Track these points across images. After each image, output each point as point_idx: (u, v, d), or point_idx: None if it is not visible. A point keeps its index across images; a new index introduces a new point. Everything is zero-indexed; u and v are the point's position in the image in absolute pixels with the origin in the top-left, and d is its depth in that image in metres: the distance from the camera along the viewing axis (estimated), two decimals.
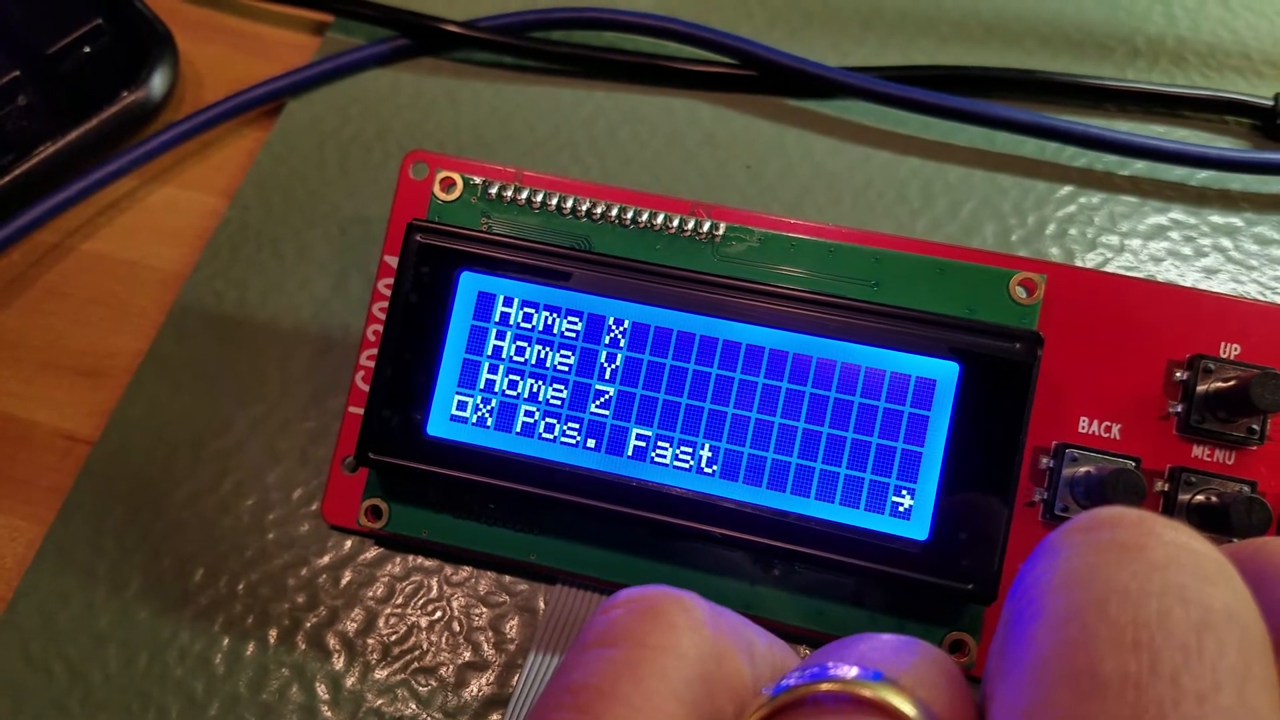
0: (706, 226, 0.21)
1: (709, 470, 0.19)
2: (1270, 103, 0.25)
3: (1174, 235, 0.24)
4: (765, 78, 0.27)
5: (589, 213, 0.21)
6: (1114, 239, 0.24)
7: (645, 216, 0.21)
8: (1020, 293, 0.20)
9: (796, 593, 0.20)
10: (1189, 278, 0.24)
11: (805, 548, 0.19)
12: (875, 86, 0.25)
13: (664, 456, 0.19)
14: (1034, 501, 0.19)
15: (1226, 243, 0.24)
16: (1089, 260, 0.24)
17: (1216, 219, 0.24)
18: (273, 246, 0.25)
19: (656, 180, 0.25)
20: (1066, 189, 0.25)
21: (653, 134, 0.26)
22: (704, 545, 0.20)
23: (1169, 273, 0.24)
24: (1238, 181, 0.25)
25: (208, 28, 0.29)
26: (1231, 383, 0.18)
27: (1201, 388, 0.19)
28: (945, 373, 0.19)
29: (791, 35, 0.28)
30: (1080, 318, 0.20)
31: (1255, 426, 0.19)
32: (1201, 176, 0.25)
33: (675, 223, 0.21)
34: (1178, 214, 0.24)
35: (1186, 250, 0.24)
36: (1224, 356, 0.19)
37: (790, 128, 0.26)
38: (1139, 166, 0.25)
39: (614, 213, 0.21)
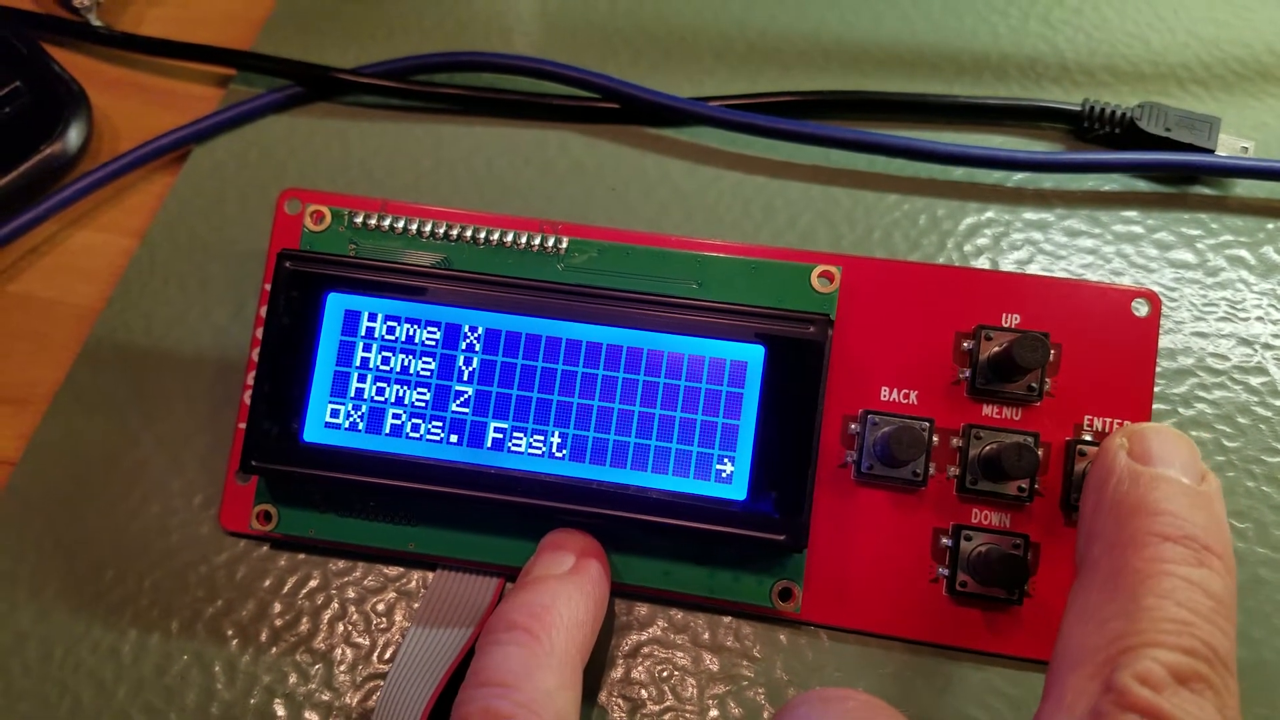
0: (552, 241, 0.23)
1: (559, 455, 0.22)
2: (1079, 107, 0.28)
3: (989, 232, 0.27)
4: (626, 109, 0.29)
5: (446, 235, 0.23)
6: (934, 238, 0.27)
7: (497, 235, 0.23)
8: (820, 283, 0.22)
9: (645, 557, 0.22)
10: (1003, 269, 0.26)
11: (647, 515, 0.21)
12: (722, 114, 0.28)
13: (519, 445, 0.22)
14: (846, 463, 0.22)
15: (1038, 236, 0.27)
16: (912, 259, 0.26)
17: (1030, 215, 0.27)
18: (178, 280, 0.27)
19: (529, 205, 0.28)
20: (893, 197, 0.27)
21: (526, 163, 0.29)
22: (564, 521, 0.22)
23: (983, 266, 0.26)
24: (1050, 180, 0.28)
25: (123, 84, 0.32)
26: (1002, 346, 0.21)
27: (983, 354, 0.22)
28: (753, 355, 0.21)
29: (652, 70, 0.31)
30: (878, 301, 0.22)
31: (1034, 385, 0.22)
32: (1017, 178, 0.28)
33: (524, 239, 0.23)
34: (993, 213, 0.27)
35: (1002, 245, 0.27)
36: (1005, 326, 0.22)
37: (650, 153, 0.29)
38: (959, 173, 0.28)
39: (469, 233, 0.23)
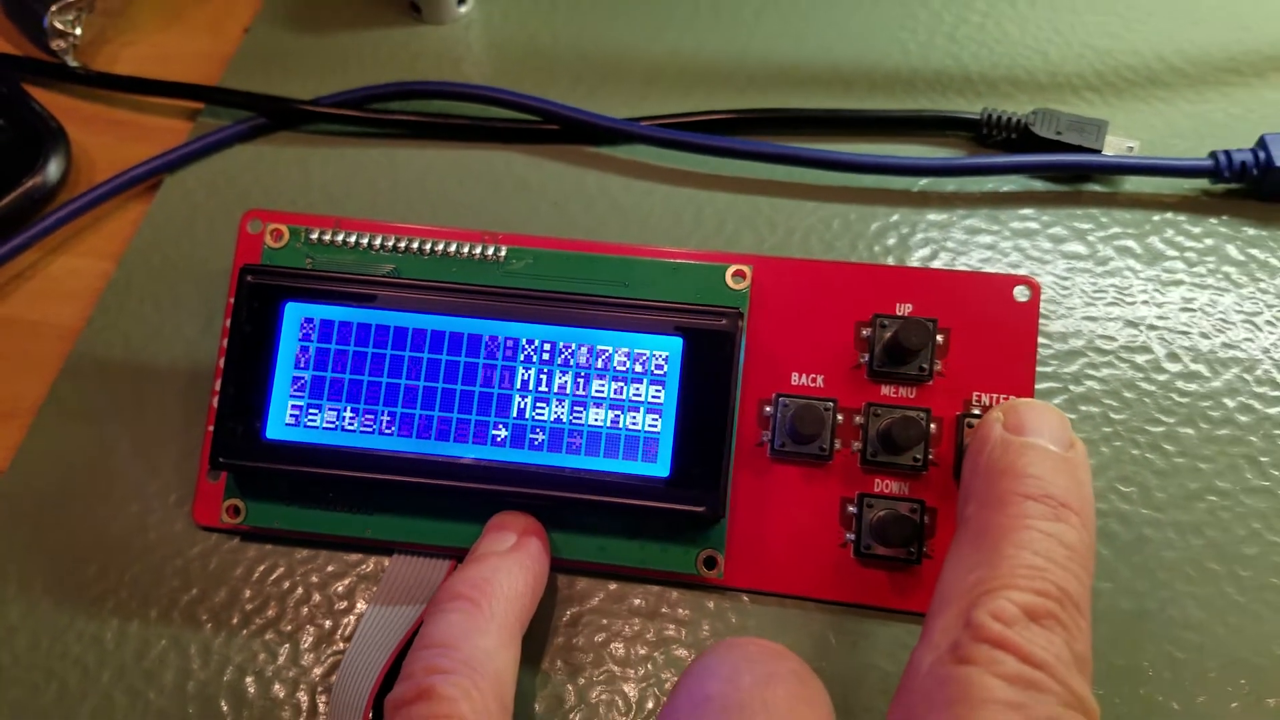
0: (492, 250, 0.26)
1: (501, 442, 0.24)
2: (978, 115, 0.31)
3: (896, 233, 0.29)
4: (567, 130, 0.32)
5: (395, 247, 0.26)
6: (847, 240, 0.29)
7: (442, 246, 0.26)
8: (734, 281, 0.25)
9: (583, 534, 0.24)
10: (908, 266, 0.29)
11: (581, 495, 0.23)
12: (654, 133, 0.31)
13: (464, 435, 0.24)
14: (763, 442, 0.24)
15: (939, 235, 0.29)
16: (827, 259, 0.29)
17: (933, 216, 0.30)
18: (153, 300, 0.29)
19: (478, 221, 0.30)
20: (811, 204, 0.30)
21: (475, 182, 0.31)
22: (507, 503, 0.24)
23: (890, 263, 0.29)
24: (952, 184, 0.30)
25: (98, 120, 0.34)
26: (892, 332, 0.24)
27: (879, 340, 0.24)
28: (673, 346, 0.23)
29: (591, 94, 0.33)
30: (786, 295, 0.25)
31: (925, 366, 0.24)
32: (922, 183, 0.30)
33: (467, 249, 0.26)
34: (899, 215, 0.30)
35: (909, 244, 0.29)
36: (898, 314, 0.24)
37: (589, 170, 0.31)
38: (869, 180, 0.30)
39: (416, 245, 0.26)
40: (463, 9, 0.36)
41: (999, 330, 0.24)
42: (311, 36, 0.35)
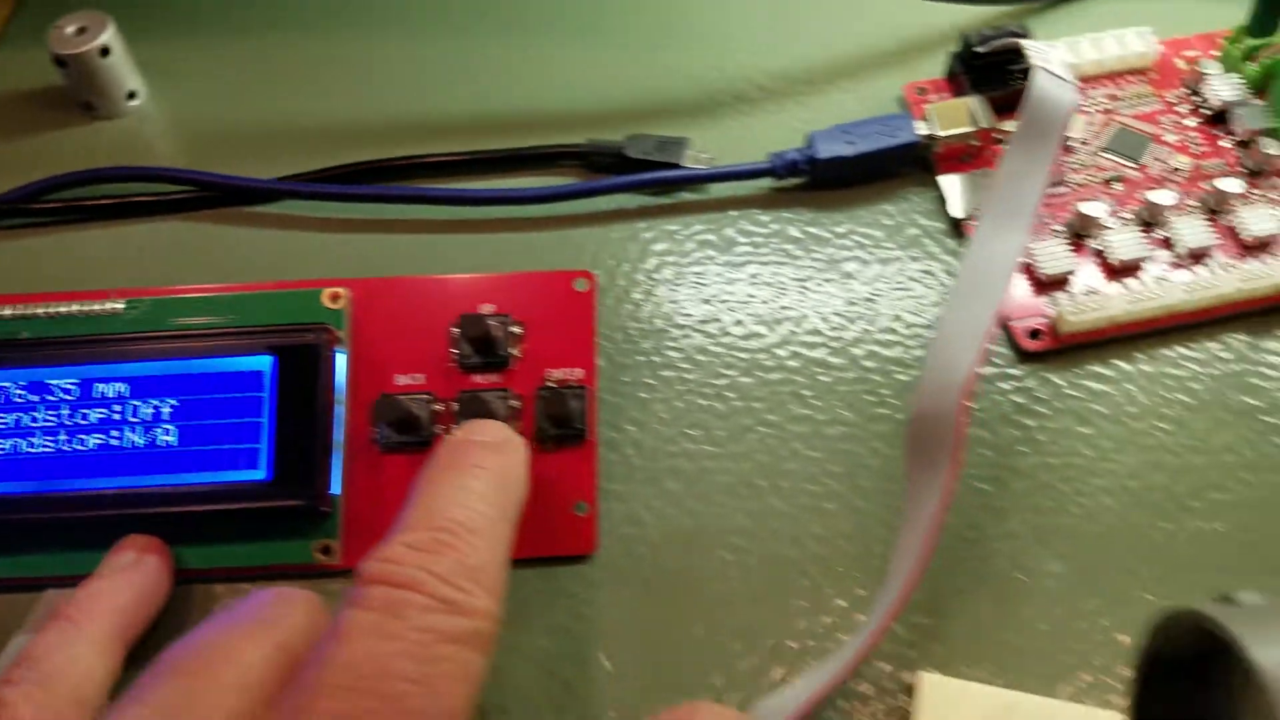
0: (110, 305, 0.28)
1: (116, 471, 0.26)
2: (584, 145, 0.36)
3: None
4: (222, 195, 0.35)
5: (25, 315, 0.28)
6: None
7: (65, 308, 0.28)
8: (330, 301, 0.28)
9: (203, 545, 0.27)
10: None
11: (193, 507, 0.26)
12: (298, 188, 0.34)
13: (80, 469, 0.26)
14: (374, 439, 0.28)
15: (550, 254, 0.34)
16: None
17: (547, 236, 0.34)
18: None
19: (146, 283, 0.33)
20: (443, 236, 0.34)
21: (140, 254, 0.34)
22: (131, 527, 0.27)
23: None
24: (565, 207, 0.35)
25: None
26: (469, 330, 0.28)
27: (465, 338, 0.28)
28: (265, 363, 0.27)
29: (270, 160, 0.36)
30: (385, 308, 0.29)
31: (502, 353, 0.28)
32: (538, 209, 0.35)
33: (91, 306, 0.28)
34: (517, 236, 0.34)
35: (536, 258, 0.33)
36: (483, 313, 0.28)
37: (244, 228, 0.35)
38: (496, 211, 0.34)
39: (42, 310, 0.28)
40: (134, 103, 0.39)
41: (564, 317, 0.29)
42: None
